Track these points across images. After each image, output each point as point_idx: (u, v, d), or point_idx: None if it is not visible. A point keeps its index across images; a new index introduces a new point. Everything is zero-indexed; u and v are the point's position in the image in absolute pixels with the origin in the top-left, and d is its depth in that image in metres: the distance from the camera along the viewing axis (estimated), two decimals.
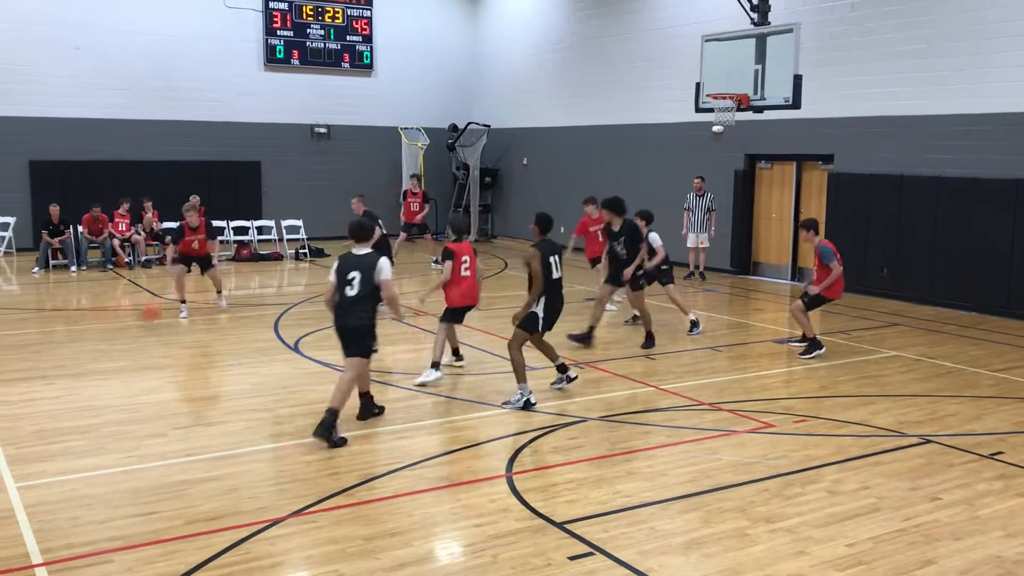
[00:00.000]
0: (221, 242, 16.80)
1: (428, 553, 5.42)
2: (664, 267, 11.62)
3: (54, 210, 17.65)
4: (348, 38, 23.18)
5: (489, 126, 24.08)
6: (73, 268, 17.50)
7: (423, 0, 24.21)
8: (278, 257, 19.99)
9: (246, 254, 19.66)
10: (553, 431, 7.71)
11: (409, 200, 18.62)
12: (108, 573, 5.06)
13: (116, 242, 17.96)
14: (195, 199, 14.81)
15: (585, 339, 11.01)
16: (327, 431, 7.16)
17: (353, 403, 7.78)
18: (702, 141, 17.77)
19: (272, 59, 22.32)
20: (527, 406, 8.27)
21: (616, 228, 11.05)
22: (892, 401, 8.85)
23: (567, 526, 5.71)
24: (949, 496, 6.35)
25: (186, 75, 21.23)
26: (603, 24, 20.62)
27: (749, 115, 14.43)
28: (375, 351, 8.04)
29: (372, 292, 7.41)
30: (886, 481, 6.61)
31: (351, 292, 7.38)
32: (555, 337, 9.35)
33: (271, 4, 22.21)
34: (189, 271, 12.89)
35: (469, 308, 9.45)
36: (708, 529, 5.72)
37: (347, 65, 23.23)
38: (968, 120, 13.76)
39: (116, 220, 18.15)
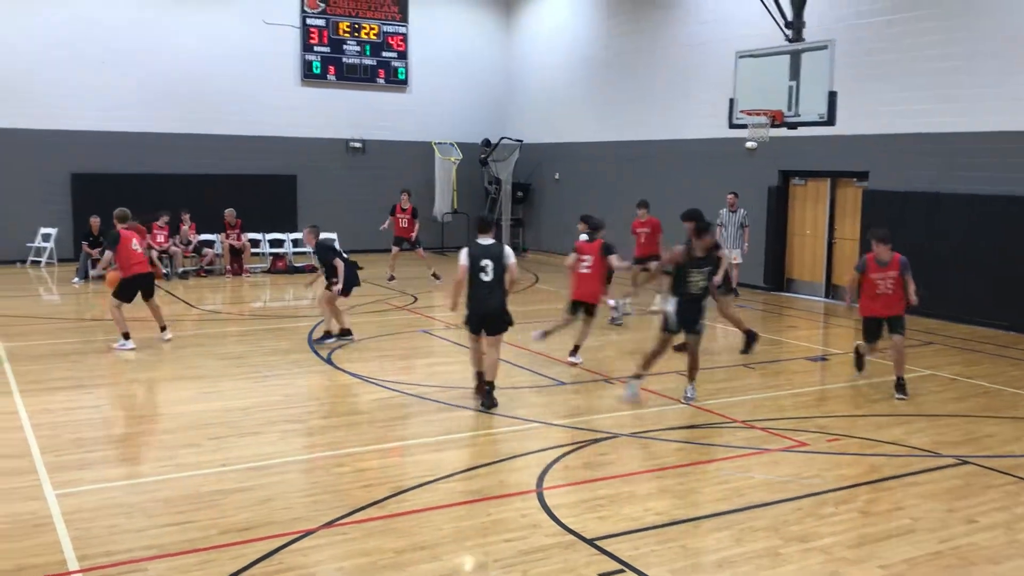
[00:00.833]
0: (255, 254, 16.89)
1: (457, 568, 5.43)
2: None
3: (94, 222, 18.00)
4: (383, 54, 23.43)
5: (521, 141, 24.18)
6: None
7: (458, 17, 24.42)
8: (312, 270, 20.10)
9: (281, 266, 19.87)
10: (584, 447, 7.71)
11: (398, 216, 18.32)
12: None
13: (154, 254, 18.22)
14: (230, 211, 14.94)
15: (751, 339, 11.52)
16: (493, 399, 8.66)
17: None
18: (735, 157, 17.70)
19: (309, 75, 22.61)
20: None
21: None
22: (927, 421, 8.73)
23: (597, 542, 5.70)
24: (987, 519, 6.24)
25: (225, 90, 21.56)
26: (637, 40, 20.65)
27: (783, 131, 14.38)
28: (512, 324, 8.98)
29: (501, 276, 8.60)
30: (921, 502, 6.52)
31: (486, 278, 8.53)
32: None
33: (308, 21, 22.52)
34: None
35: (581, 303, 10.70)
36: (740, 548, 5.68)
37: (382, 81, 23.46)
38: (1003, 138, 13.59)
39: (155, 232, 18.44)
